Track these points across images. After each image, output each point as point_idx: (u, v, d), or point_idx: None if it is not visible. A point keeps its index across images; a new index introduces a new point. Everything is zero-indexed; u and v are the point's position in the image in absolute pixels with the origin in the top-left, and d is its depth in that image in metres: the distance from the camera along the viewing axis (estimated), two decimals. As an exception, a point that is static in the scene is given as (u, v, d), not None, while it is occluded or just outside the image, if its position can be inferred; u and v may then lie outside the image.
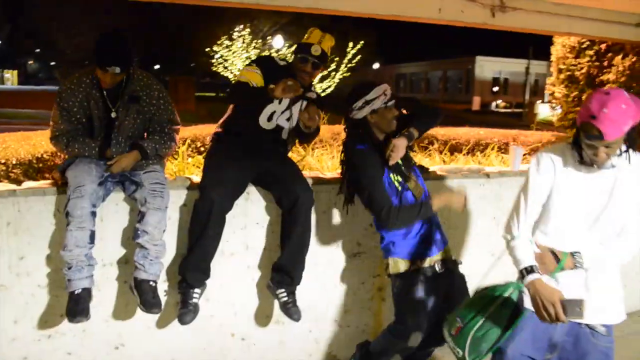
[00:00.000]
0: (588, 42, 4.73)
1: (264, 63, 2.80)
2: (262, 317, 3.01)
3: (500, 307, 2.05)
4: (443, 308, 2.58)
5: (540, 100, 32.83)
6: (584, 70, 4.62)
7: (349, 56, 24.72)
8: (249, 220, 2.88)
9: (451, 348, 2.13)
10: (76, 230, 2.42)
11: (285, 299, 2.71)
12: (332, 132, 4.91)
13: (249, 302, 2.96)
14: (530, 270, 1.99)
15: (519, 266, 2.04)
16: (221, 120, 2.95)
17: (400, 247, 2.61)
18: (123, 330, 2.76)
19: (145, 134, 2.76)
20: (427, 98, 43.30)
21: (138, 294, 2.51)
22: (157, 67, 37.19)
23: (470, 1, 3.31)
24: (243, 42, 23.40)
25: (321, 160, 3.85)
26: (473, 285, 3.39)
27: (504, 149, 4.84)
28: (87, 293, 2.49)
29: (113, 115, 2.64)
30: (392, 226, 2.53)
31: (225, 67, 24.75)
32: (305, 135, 2.90)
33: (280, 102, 2.79)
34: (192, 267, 2.61)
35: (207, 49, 24.20)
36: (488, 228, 3.45)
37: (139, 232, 2.53)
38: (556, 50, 5.00)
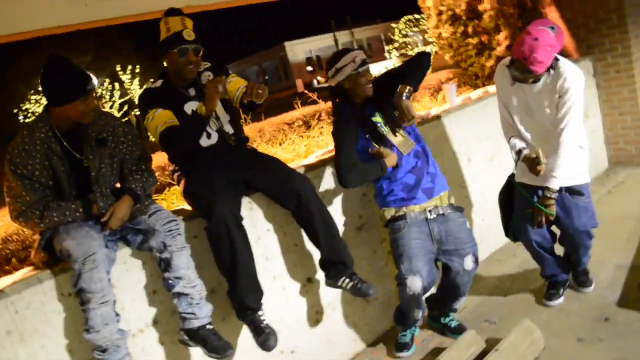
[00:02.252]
0: (457, -19, 5.20)
1: (149, 101, 2.48)
2: (303, 323, 2.86)
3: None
4: (446, 252, 2.74)
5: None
6: (463, 7, 5.07)
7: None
8: (260, 230, 2.69)
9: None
10: (99, 306, 2.06)
11: (352, 283, 2.59)
12: (278, 124, 4.75)
13: (286, 313, 2.79)
14: (520, 150, 2.81)
15: (516, 150, 2.84)
16: (171, 168, 2.73)
17: (385, 198, 2.77)
18: (176, 396, 2.44)
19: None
20: (253, 95, 43.72)
21: (200, 344, 2.23)
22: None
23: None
24: (53, 92, 21.47)
25: (289, 150, 3.71)
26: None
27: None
28: None
29: (86, 163, 2.26)
30: (346, 183, 2.65)
31: (43, 123, 22.51)
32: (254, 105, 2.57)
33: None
34: (246, 291, 2.37)
35: (16, 110, 21.80)
36: (453, 163, 3.64)
37: (170, 281, 2.23)
38: (431, -4, 5.41)
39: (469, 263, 2.73)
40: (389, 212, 2.77)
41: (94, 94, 2.23)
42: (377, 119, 2.74)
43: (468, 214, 3.76)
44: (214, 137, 2.59)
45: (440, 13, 5.32)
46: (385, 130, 2.72)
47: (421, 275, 2.64)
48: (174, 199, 3.18)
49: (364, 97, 2.71)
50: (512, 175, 3.11)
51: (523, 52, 2.49)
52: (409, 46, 26.37)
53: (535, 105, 2.75)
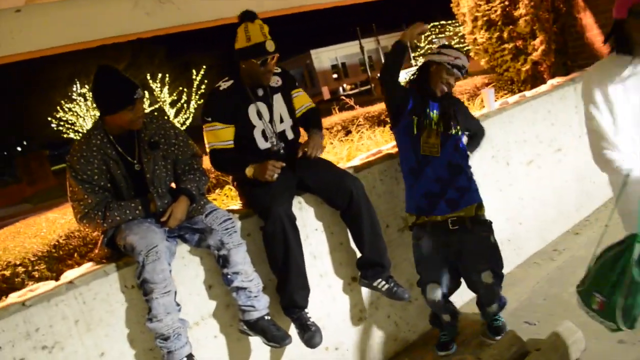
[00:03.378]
0: (494, -13, 5.28)
1: (214, 108, 2.63)
2: (347, 320, 2.94)
3: (636, 267, 1.92)
4: (463, 265, 2.78)
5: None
6: (498, 12, 5.13)
7: (197, 82, 24.49)
8: (308, 229, 2.79)
9: (598, 321, 2.06)
10: (162, 296, 2.18)
11: (387, 286, 2.67)
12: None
13: (331, 310, 2.87)
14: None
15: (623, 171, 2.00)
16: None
17: (408, 202, 2.84)
18: (228, 388, 2.54)
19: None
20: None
21: (260, 334, 2.35)
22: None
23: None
24: (86, 100, 22.04)
25: (332, 153, 3.83)
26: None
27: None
28: (192, 359, 2.27)
29: (137, 168, 2.39)
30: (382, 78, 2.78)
31: (76, 131, 23.14)
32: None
33: (260, 118, 2.66)
34: (295, 289, 2.48)
35: (50, 118, 22.45)
36: (491, 166, 3.69)
37: (228, 276, 2.35)
38: (466, 2, 5.47)
39: (486, 278, 2.74)
40: (411, 219, 2.83)
41: (142, 102, 2.34)
42: (432, 115, 2.74)
43: (506, 217, 3.80)
44: (272, 141, 2.70)
45: (475, 19, 5.38)
46: (428, 126, 2.74)
47: (439, 283, 2.74)
48: (224, 199, 3.31)
49: (436, 91, 2.74)
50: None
51: None
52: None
53: None
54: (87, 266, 2.42)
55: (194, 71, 25.69)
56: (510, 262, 3.83)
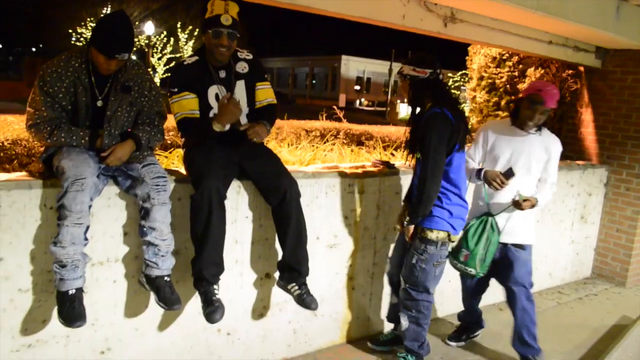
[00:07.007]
0: (507, 54, 5.36)
1: (180, 79, 2.65)
2: (248, 311, 3.01)
3: (490, 232, 3.08)
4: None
5: (399, 100, 35.07)
6: (504, 79, 5.22)
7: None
8: (239, 214, 2.86)
9: (462, 270, 3.13)
10: (73, 226, 2.23)
11: (299, 291, 2.74)
12: (303, 128, 4.92)
13: (236, 297, 2.94)
14: (480, 169, 3.13)
15: (475, 171, 3.17)
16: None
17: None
18: (110, 335, 2.59)
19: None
20: (295, 93, 44.13)
21: (154, 291, 2.42)
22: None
23: (428, 12, 3.60)
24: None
25: (294, 154, 3.89)
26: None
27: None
28: (80, 293, 2.32)
29: (99, 104, 2.46)
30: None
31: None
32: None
33: (218, 101, 2.67)
34: (207, 263, 2.54)
35: (70, 30, 22.36)
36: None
37: (144, 229, 2.41)
38: (478, 60, 5.57)
39: (402, 281, 3.05)
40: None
41: (120, 63, 2.37)
42: None
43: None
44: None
45: (481, 78, 5.49)
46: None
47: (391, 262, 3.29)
48: (175, 160, 3.36)
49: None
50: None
51: (537, 87, 3.03)
52: (459, 99, 26.52)
53: (531, 158, 3.20)
54: (18, 175, 2.47)
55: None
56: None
